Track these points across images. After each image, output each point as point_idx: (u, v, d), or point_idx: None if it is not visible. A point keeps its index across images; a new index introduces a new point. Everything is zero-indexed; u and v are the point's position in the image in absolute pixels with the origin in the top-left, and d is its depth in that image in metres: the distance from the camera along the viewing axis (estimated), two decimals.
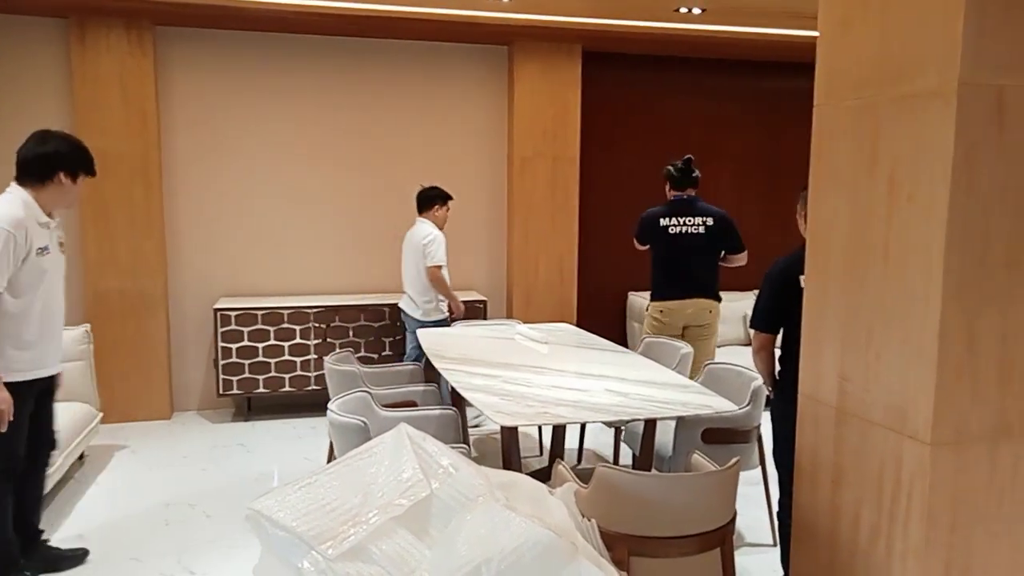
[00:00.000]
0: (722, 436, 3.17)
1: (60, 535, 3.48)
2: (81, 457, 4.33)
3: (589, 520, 2.13)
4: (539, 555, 1.73)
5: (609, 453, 4.50)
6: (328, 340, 5.28)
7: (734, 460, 2.32)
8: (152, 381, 5.23)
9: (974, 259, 1.82)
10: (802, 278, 2.37)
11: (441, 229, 4.85)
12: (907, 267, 1.91)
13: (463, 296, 5.63)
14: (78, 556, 3.18)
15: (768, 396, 3.07)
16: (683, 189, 4.55)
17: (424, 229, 4.79)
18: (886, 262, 1.98)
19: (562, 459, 4.11)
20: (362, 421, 2.73)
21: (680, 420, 3.14)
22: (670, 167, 4.60)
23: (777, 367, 2.85)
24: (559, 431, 4.03)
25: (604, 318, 6.08)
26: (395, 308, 5.30)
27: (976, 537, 1.91)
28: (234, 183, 5.44)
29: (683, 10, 4.91)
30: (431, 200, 4.86)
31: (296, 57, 5.44)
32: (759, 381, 3.24)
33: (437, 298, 4.82)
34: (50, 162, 2.90)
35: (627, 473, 2.23)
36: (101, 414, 4.49)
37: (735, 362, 3.61)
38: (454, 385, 3.11)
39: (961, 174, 1.79)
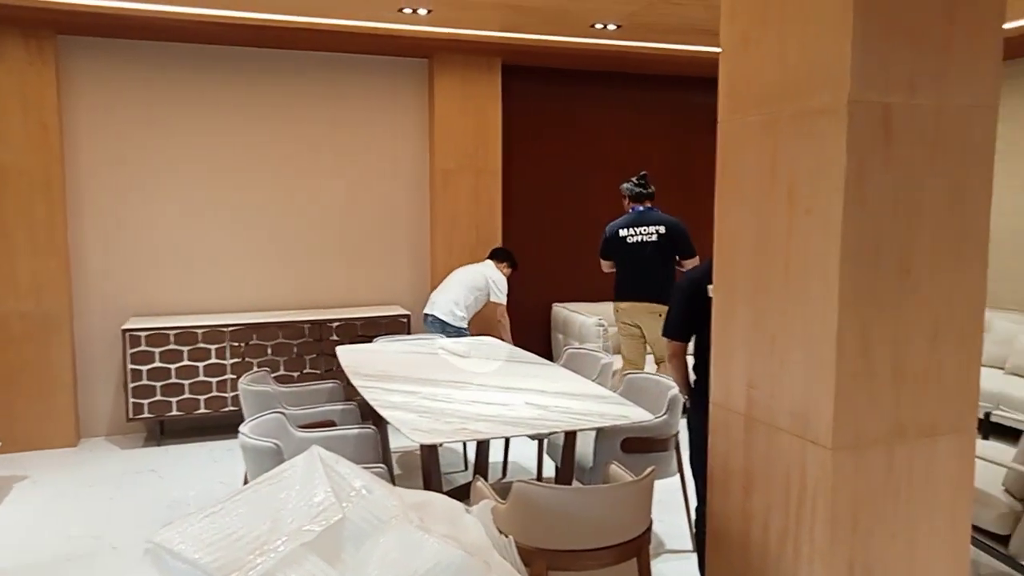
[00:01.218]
0: (641, 445, 3.21)
1: None
2: None
3: (507, 536, 2.11)
4: (454, 575, 1.71)
5: (533, 466, 4.50)
6: (246, 359, 5.13)
7: (649, 470, 2.35)
8: (56, 407, 4.96)
9: (867, 267, 1.90)
10: (710, 288, 2.42)
11: None
12: (807, 277, 1.97)
13: (386, 311, 5.57)
14: None
15: (685, 404, 3.13)
16: (640, 201, 5.05)
17: (495, 272, 5.36)
18: (787, 272, 2.04)
19: (485, 474, 4.10)
20: (275, 444, 2.65)
21: (600, 431, 3.16)
22: (628, 184, 5.09)
23: (692, 376, 2.91)
24: (483, 446, 4.01)
25: (529, 330, 6.10)
26: (314, 323, 5.21)
27: (876, 537, 1.98)
28: (142, 197, 5.23)
29: (599, 26, 4.99)
30: (507, 257, 5.46)
31: (207, 68, 5.29)
32: (675, 390, 3.31)
33: (467, 316, 5.27)
34: None
35: (543, 488, 2.23)
36: (0, 443, 4.24)
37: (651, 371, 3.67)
38: (371, 403, 3.06)
39: (853, 187, 1.86)
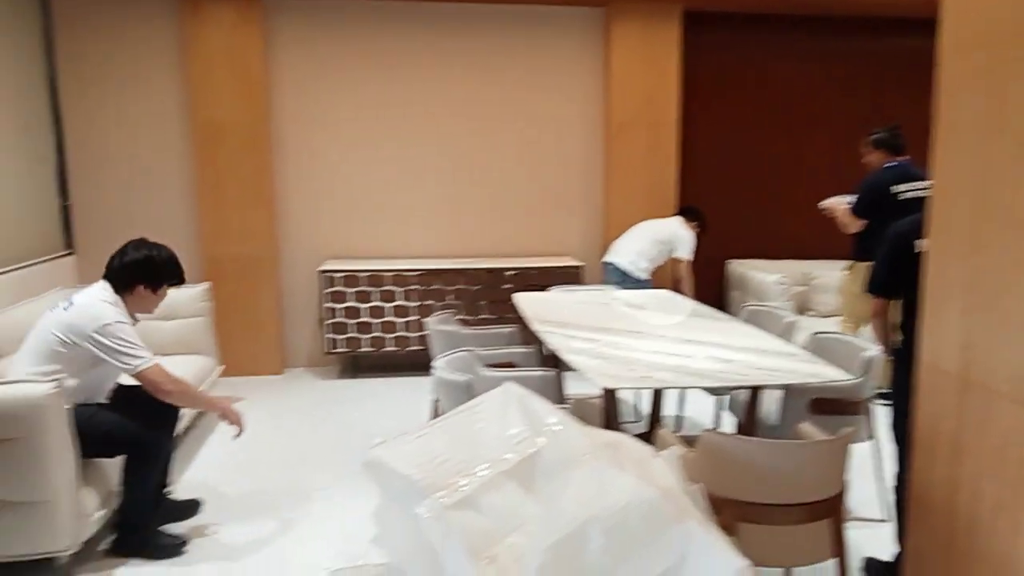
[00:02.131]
0: (831, 407, 3.08)
1: (187, 478, 3.75)
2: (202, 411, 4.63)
3: (696, 484, 2.12)
4: (646, 514, 1.75)
5: (707, 422, 4.45)
6: (429, 302, 5.42)
7: (848, 429, 2.26)
8: (265, 339, 5.51)
9: None
10: (920, 243, 2.26)
11: None
12: None
13: (559, 261, 5.65)
14: (192, 506, 3.40)
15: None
16: (900, 154, 4.52)
17: (682, 229, 5.32)
18: (1014, 225, 1.86)
19: (662, 425, 4.10)
20: (467, 379, 2.80)
21: (788, 389, 3.07)
22: (882, 133, 4.55)
23: (895, 336, 2.74)
24: (658, 397, 4.01)
25: (702, 287, 5.96)
26: (491, 271, 5.40)
27: None
28: (339, 149, 5.60)
29: None
30: (697, 217, 5.40)
31: (398, 24, 5.52)
32: (871, 351, 3.13)
33: (650, 268, 5.30)
34: (133, 274, 3.09)
35: (735, 438, 2.21)
36: (222, 367, 4.77)
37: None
38: (554, 348, 3.14)
39: None
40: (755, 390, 3.12)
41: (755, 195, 6.17)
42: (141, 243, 3.13)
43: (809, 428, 2.57)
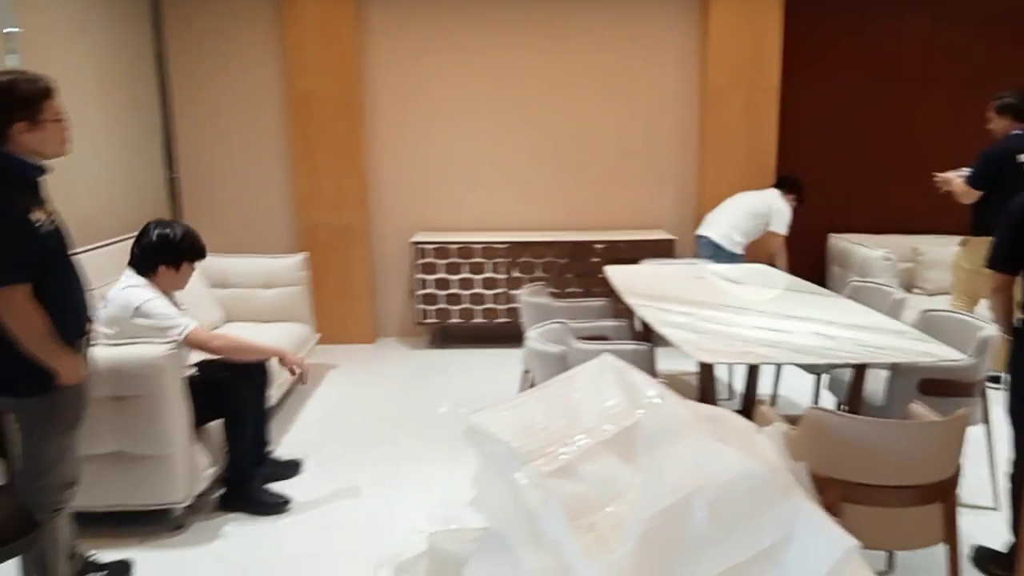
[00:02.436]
0: (942, 388, 2.93)
1: (288, 439, 3.91)
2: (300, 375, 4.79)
3: (799, 462, 2.07)
4: (753, 489, 1.71)
5: (804, 401, 4.32)
6: (517, 275, 5.43)
7: (962, 410, 2.15)
8: (358, 308, 5.66)
9: None
10: None
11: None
12: None
13: (649, 234, 5.57)
14: (294, 465, 3.55)
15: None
16: None
17: (779, 201, 5.12)
18: None
19: (752, 404, 4.01)
20: (561, 350, 2.80)
21: (895, 368, 2.94)
22: (1010, 98, 4.25)
23: (1018, 314, 2.58)
24: (754, 374, 3.90)
25: (801, 261, 5.75)
26: (579, 244, 5.37)
27: None
28: (430, 120, 5.65)
29: None
30: (794, 188, 5.19)
31: None
32: (987, 331, 2.96)
33: (743, 242, 5.15)
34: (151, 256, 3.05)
35: (843, 416, 2.14)
36: (319, 335, 4.93)
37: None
38: (648, 321, 3.10)
39: None
40: (860, 369, 3.01)
41: (860, 165, 5.89)
42: (158, 224, 3.11)
43: (919, 408, 2.45)
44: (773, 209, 5.11)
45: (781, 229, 5.10)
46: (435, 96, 5.62)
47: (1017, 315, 2.58)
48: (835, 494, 2.10)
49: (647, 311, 3.24)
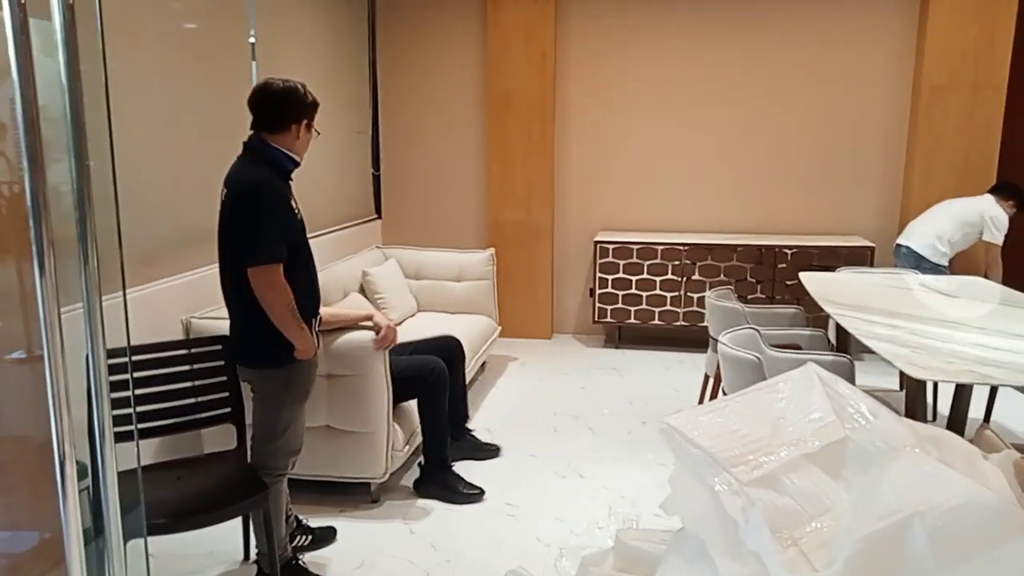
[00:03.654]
0: None
1: (472, 426, 4.08)
2: (483, 365, 4.99)
3: None
4: (985, 520, 1.58)
5: (1019, 427, 3.91)
6: (699, 278, 5.32)
7: None
8: (537, 304, 5.79)
9: None
10: None
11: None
12: None
13: (845, 241, 5.25)
14: (493, 450, 3.71)
15: None
16: None
17: (995, 209, 4.69)
18: None
19: (962, 428, 3.68)
20: (756, 357, 2.72)
21: None
22: None
23: None
24: (961, 395, 3.58)
25: (1020, 273, 5.20)
26: (766, 248, 5.16)
27: None
28: (619, 120, 5.66)
29: None
30: (1015, 194, 4.73)
31: None
32: None
33: (950, 253, 4.76)
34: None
35: None
36: (500, 328, 5.10)
37: None
38: (852, 331, 2.93)
39: None
40: None
41: None
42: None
43: None
44: (987, 217, 4.65)
45: (996, 239, 4.63)
46: (625, 96, 5.62)
47: None
48: None
49: (849, 321, 3.07)
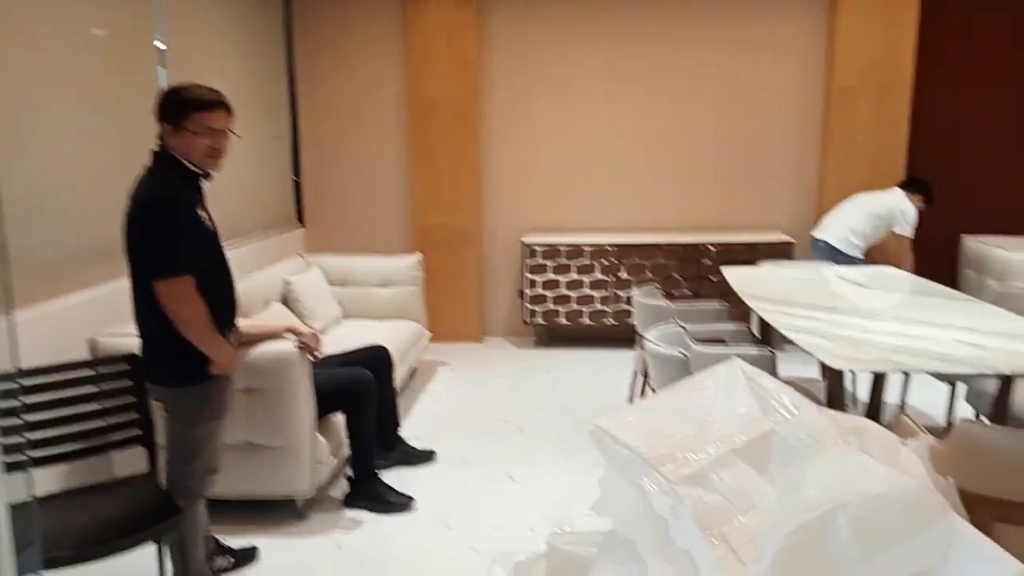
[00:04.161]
0: None
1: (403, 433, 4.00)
2: (413, 372, 4.90)
3: (947, 478, 1.93)
4: (905, 507, 1.60)
5: (934, 412, 4.07)
6: (625, 277, 5.36)
7: None
8: (467, 307, 5.73)
9: None
10: None
11: None
12: None
13: (766, 237, 5.38)
14: (427, 455, 3.63)
15: None
16: None
17: (904, 203, 4.85)
18: None
19: (878, 415, 3.80)
20: (683, 354, 2.74)
21: None
22: None
23: None
24: (879, 383, 3.70)
25: (932, 265, 5.41)
26: (691, 246, 5.25)
27: None
28: (544, 123, 5.66)
29: None
30: (922, 188, 4.90)
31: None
32: None
33: (863, 246, 4.92)
34: None
35: (997, 430, 1.98)
36: (430, 333, 5.02)
37: None
38: (774, 325, 2.98)
39: None
40: (1007, 380, 2.79)
41: (998, 165, 5.50)
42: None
43: None
44: (897, 210, 4.83)
45: (906, 231, 4.82)
46: (550, 100, 5.63)
47: None
48: (986, 514, 1.95)
49: (772, 315, 3.12)
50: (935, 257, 5.54)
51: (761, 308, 3.24)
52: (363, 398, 3.18)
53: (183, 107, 2.34)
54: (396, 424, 3.65)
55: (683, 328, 3.16)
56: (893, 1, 5.08)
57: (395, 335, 4.36)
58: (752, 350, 3.12)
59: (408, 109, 5.58)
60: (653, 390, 3.01)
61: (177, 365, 2.36)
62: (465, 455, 3.74)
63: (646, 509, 1.88)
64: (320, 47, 5.62)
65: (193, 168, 2.37)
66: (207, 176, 2.42)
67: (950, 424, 3.72)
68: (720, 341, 3.52)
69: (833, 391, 2.80)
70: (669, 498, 1.83)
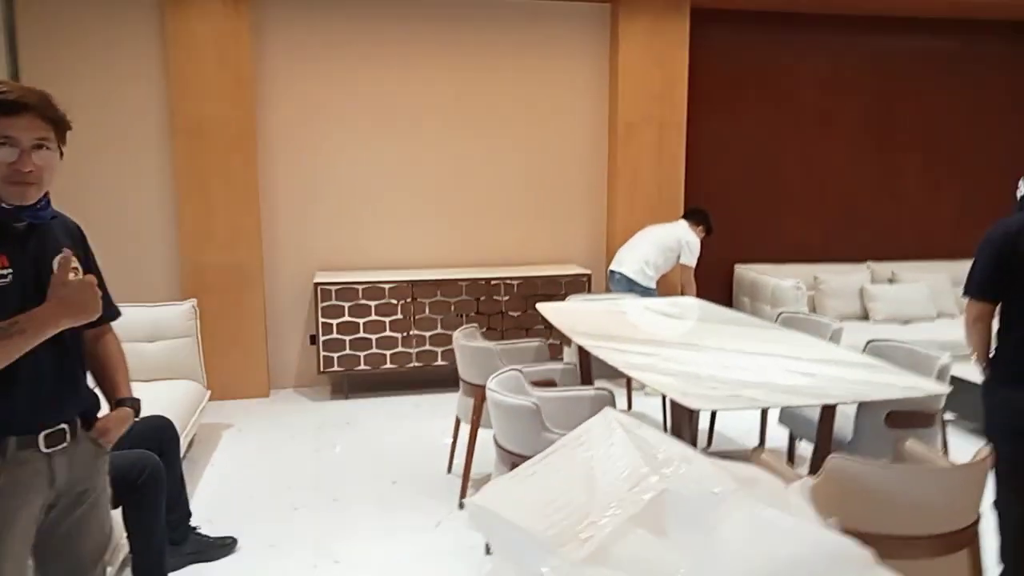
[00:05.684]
0: (907, 420, 2.89)
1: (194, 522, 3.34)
2: (192, 439, 4.20)
3: (831, 518, 1.88)
4: (834, 565, 1.49)
5: (740, 437, 4.26)
6: (428, 315, 5.08)
7: (984, 451, 2.04)
8: (251, 358, 5.09)
9: None
10: None
11: None
12: None
13: (564, 269, 5.40)
14: (228, 544, 3.02)
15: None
16: None
17: (688, 234, 5.07)
18: None
19: (695, 442, 3.87)
20: (534, 403, 2.51)
21: (863, 403, 2.86)
22: None
23: (994, 343, 2.55)
24: (713, 414, 3.78)
25: (710, 291, 5.77)
26: (494, 281, 5.11)
27: None
28: (329, 151, 5.23)
29: None
30: (703, 220, 5.15)
31: (394, 16, 5.18)
32: (944, 359, 2.97)
33: (656, 276, 5.08)
34: None
35: (867, 464, 1.97)
36: (209, 392, 4.34)
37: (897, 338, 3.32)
38: (614, 364, 2.87)
39: None
40: (828, 406, 2.91)
41: (762, 197, 6.04)
42: None
43: (915, 446, 2.36)
44: (683, 242, 5.06)
45: (691, 261, 5.07)
46: (335, 125, 5.22)
47: (993, 345, 2.56)
48: (871, 551, 1.92)
49: (605, 352, 3.01)
50: (715, 284, 5.93)
51: (592, 346, 3.12)
52: (149, 488, 2.54)
53: None
54: (186, 513, 3.00)
55: (519, 372, 2.94)
56: (667, 40, 5.38)
57: (172, 398, 3.69)
58: (590, 391, 2.98)
59: (171, 133, 4.87)
60: (496, 442, 2.75)
61: None
62: (272, 538, 3.19)
63: None
64: (54, 61, 4.72)
65: None
66: (11, 213, 1.67)
67: (762, 444, 3.89)
68: (551, 383, 3.36)
69: (678, 427, 2.73)
70: None
